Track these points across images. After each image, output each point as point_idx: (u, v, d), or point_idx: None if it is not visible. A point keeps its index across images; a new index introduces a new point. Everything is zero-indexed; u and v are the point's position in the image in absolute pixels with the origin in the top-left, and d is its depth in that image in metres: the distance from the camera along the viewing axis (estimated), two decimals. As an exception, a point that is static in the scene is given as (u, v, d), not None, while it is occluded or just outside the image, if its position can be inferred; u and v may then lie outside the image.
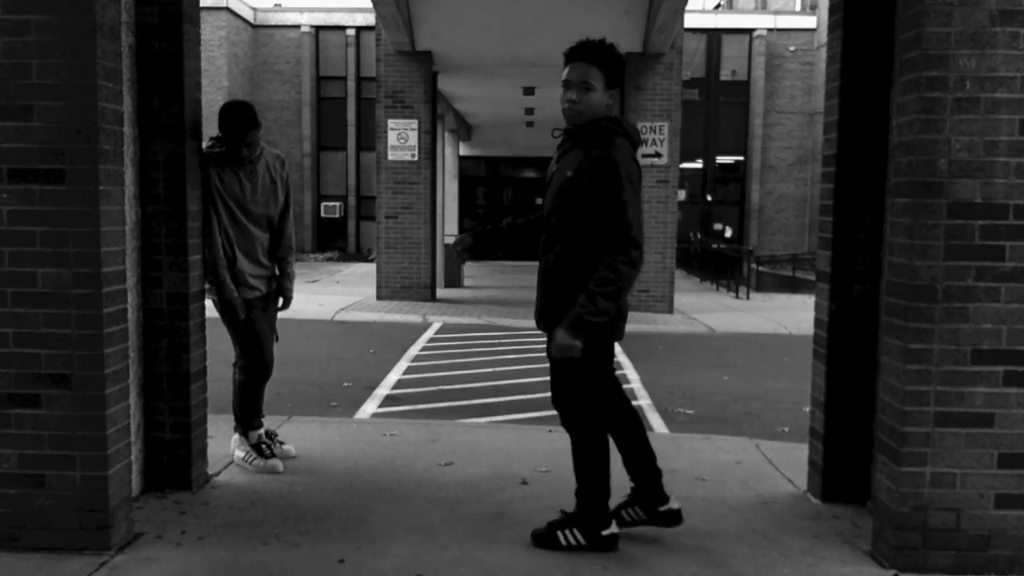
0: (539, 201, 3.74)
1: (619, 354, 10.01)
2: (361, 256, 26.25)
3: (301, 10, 27.61)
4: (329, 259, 25.65)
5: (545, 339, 3.54)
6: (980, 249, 3.28)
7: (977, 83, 3.23)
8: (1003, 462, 3.35)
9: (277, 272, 4.66)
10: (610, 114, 3.42)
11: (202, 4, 4.42)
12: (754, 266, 22.15)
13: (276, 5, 28.49)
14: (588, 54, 3.33)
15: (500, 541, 3.66)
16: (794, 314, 14.23)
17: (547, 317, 3.47)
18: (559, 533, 3.56)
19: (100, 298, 3.29)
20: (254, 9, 27.48)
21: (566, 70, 3.36)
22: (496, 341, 10.83)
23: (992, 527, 3.38)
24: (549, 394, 3.60)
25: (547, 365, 3.57)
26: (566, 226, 3.38)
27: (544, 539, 3.58)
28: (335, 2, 27.76)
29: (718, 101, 28.40)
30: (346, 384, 7.85)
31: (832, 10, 4.16)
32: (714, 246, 23.15)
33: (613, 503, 3.63)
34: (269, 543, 3.59)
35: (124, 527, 3.52)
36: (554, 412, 3.61)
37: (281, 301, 4.72)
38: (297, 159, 27.08)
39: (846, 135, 4.01)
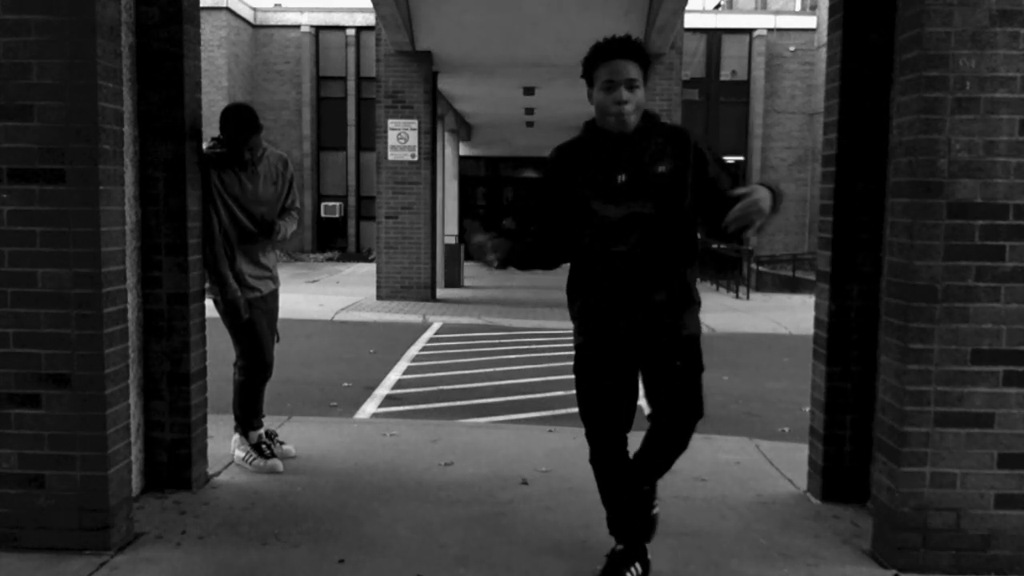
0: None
1: (619, 354, 9.99)
2: (361, 256, 26.24)
3: (301, 10, 27.60)
4: (329, 259, 25.64)
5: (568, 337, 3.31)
6: (980, 249, 3.28)
7: (977, 83, 3.23)
8: (1003, 462, 3.35)
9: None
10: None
11: (202, 4, 4.41)
12: (754, 266, 22.15)
13: (276, 5, 28.47)
14: (627, 51, 3.04)
15: (500, 541, 3.66)
16: (794, 314, 14.22)
17: (675, 299, 3.23)
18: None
19: (100, 298, 3.29)
20: (254, 9, 27.46)
21: (605, 68, 3.02)
22: (496, 341, 10.82)
23: (992, 527, 3.38)
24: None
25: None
26: (674, 212, 3.20)
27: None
28: (335, 2, 27.74)
29: (718, 101, 28.38)
30: (346, 384, 7.84)
31: (832, 10, 4.16)
32: (714, 246, 23.12)
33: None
34: (269, 543, 3.59)
35: (124, 527, 3.52)
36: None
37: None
38: (297, 159, 27.05)
39: (846, 135, 4.01)
